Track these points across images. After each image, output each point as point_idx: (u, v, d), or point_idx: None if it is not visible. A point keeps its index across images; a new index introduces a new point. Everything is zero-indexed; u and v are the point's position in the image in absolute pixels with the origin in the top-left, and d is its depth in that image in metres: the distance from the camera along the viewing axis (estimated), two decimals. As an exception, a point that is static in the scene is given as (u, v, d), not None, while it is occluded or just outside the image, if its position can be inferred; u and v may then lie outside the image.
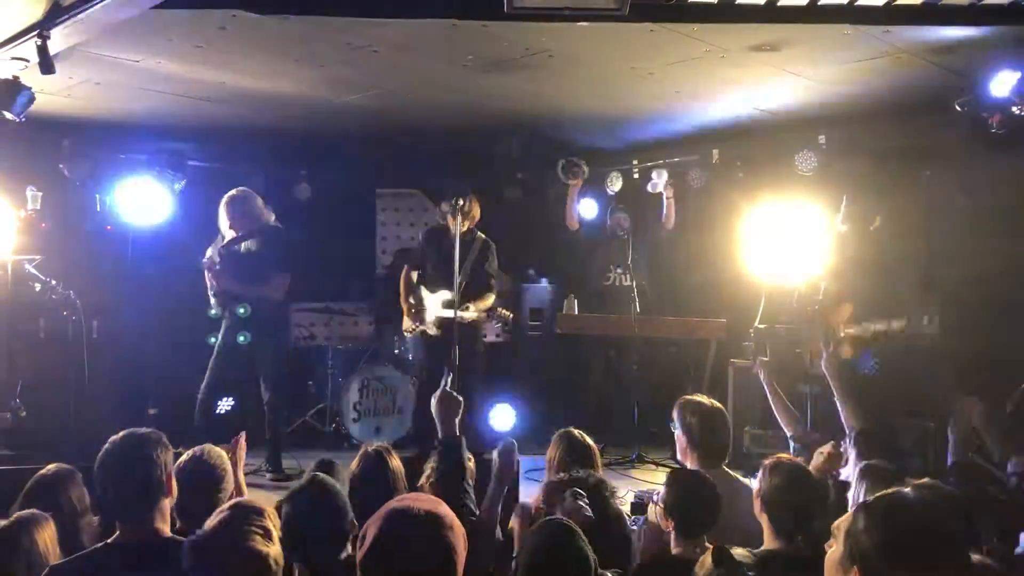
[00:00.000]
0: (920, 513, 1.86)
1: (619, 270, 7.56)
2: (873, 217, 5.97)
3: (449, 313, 6.31)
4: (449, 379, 3.34)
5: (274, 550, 1.98)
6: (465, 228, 6.43)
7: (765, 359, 4.27)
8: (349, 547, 2.63)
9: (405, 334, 6.98)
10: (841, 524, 1.93)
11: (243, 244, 6.09)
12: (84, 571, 2.40)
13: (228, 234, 6.11)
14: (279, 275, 6.14)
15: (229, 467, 3.08)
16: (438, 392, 3.16)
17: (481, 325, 6.74)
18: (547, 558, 2.23)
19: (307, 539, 2.54)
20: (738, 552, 2.41)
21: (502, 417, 6.97)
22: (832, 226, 6.14)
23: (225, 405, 6.99)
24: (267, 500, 3.29)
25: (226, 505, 2.06)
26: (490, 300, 6.55)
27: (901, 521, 1.82)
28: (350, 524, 2.64)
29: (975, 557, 2.05)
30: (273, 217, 6.41)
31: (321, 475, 2.75)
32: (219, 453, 3.07)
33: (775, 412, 4.07)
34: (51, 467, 3.27)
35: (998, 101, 5.03)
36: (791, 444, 3.92)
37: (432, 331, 6.53)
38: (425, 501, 1.89)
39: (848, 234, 6.23)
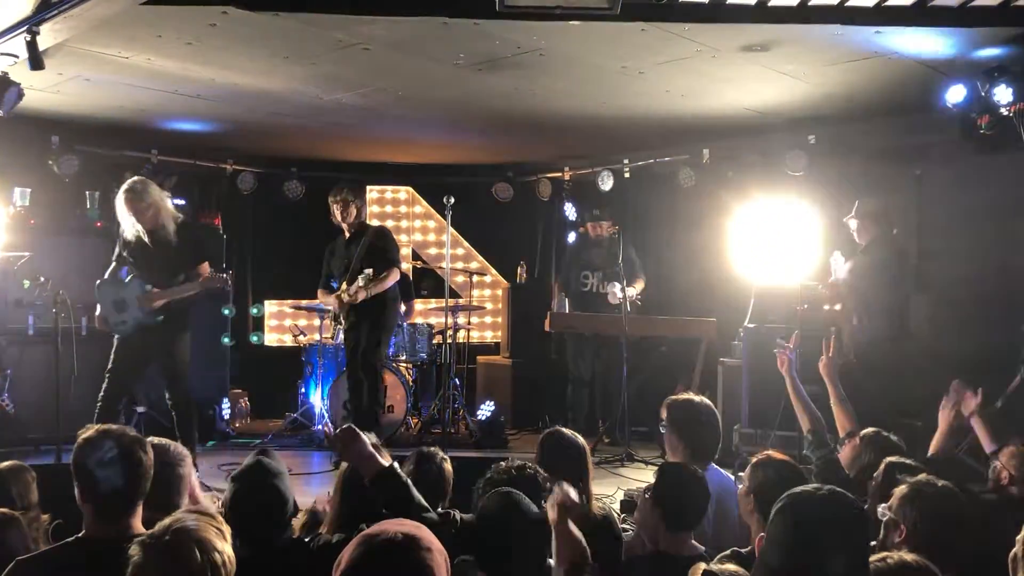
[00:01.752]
0: (813, 514, 1.90)
1: (597, 276, 7.49)
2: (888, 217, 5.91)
3: (348, 296, 6.32)
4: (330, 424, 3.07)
5: (228, 549, 1.98)
6: (352, 221, 6.51)
7: (789, 346, 4.17)
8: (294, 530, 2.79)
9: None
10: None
11: (157, 239, 5.61)
12: (52, 566, 2.38)
13: (131, 230, 5.56)
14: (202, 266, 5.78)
15: (188, 456, 3.08)
16: (334, 436, 3.06)
17: (388, 303, 6.58)
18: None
19: (249, 518, 2.65)
20: (728, 569, 2.41)
21: None
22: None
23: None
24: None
25: (180, 510, 2.06)
26: (392, 275, 6.42)
27: (792, 521, 1.89)
28: (293, 506, 2.78)
29: (908, 556, 2.07)
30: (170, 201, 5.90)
31: (264, 458, 2.83)
32: (176, 444, 3.08)
33: (793, 404, 4.04)
34: (5, 464, 3.25)
35: (987, 102, 5.06)
36: (805, 439, 3.90)
37: (344, 322, 6.53)
38: (403, 524, 1.87)
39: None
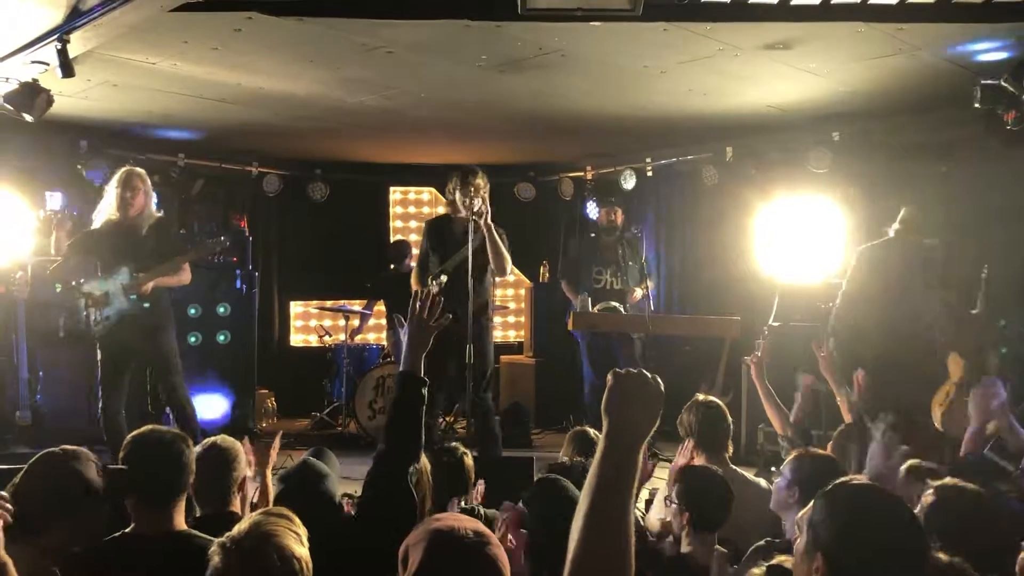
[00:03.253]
0: (877, 501, 1.89)
1: (610, 271, 7.26)
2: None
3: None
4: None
5: (305, 554, 2.01)
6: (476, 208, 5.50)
7: (758, 354, 4.26)
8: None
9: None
10: (804, 514, 1.95)
11: (137, 230, 5.54)
12: (100, 559, 2.44)
13: (109, 212, 5.51)
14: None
15: (243, 453, 3.13)
16: (412, 319, 2.77)
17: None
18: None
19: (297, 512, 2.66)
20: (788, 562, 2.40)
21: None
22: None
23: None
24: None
25: (257, 512, 2.10)
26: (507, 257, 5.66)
27: (858, 509, 1.85)
28: (339, 506, 2.84)
29: (944, 556, 2.06)
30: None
31: (311, 459, 2.91)
32: (233, 440, 3.15)
33: (766, 410, 4.11)
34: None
35: (1013, 97, 5.01)
36: (780, 442, 3.95)
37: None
38: (465, 520, 1.89)
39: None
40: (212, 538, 2.28)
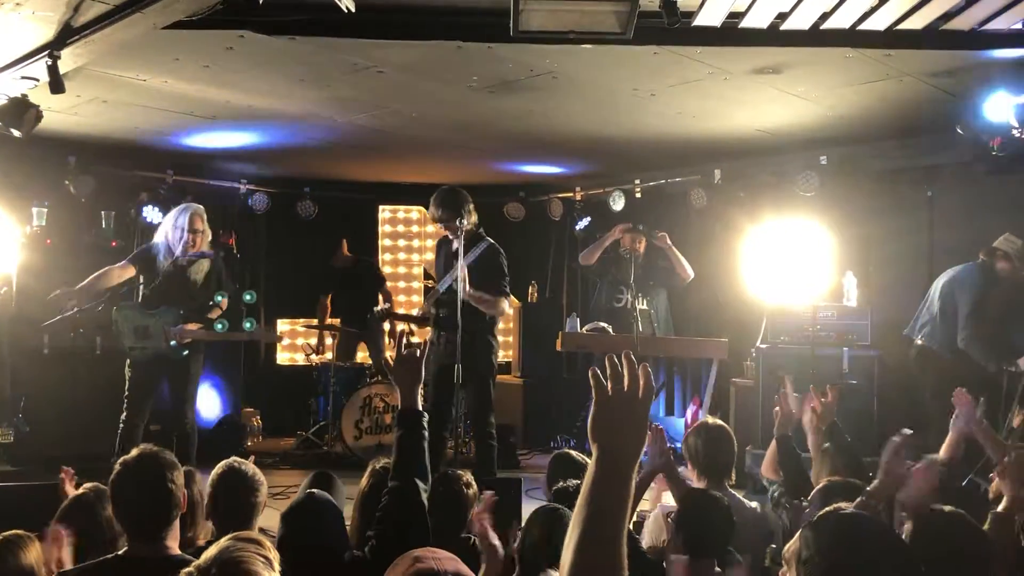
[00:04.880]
0: (864, 531, 1.86)
1: (630, 292, 7.12)
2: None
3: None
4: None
5: None
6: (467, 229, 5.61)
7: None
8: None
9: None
10: (790, 547, 1.92)
11: (190, 271, 5.62)
12: None
13: (177, 247, 5.53)
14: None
15: (262, 475, 3.10)
16: (398, 354, 2.77)
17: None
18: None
19: (304, 555, 2.57)
20: None
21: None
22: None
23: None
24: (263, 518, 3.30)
25: (225, 537, 2.05)
26: (501, 303, 5.61)
27: (845, 540, 1.83)
28: (347, 540, 2.70)
29: None
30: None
31: (317, 491, 2.78)
32: (253, 466, 3.13)
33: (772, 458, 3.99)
34: (89, 486, 3.23)
35: (998, 124, 5.06)
36: (768, 489, 3.89)
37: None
38: (446, 561, 1.84)
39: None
40: None
